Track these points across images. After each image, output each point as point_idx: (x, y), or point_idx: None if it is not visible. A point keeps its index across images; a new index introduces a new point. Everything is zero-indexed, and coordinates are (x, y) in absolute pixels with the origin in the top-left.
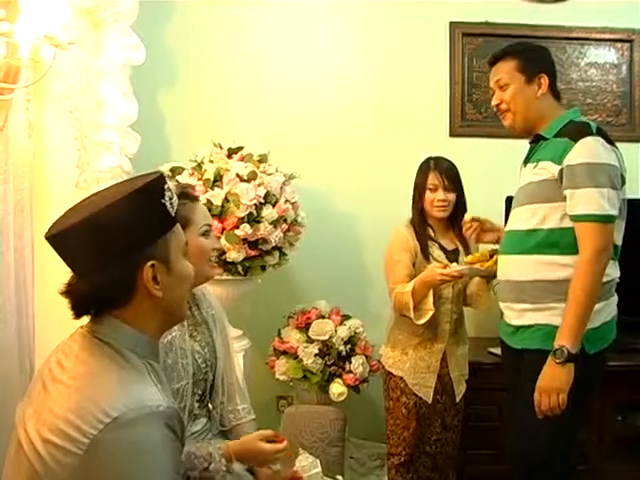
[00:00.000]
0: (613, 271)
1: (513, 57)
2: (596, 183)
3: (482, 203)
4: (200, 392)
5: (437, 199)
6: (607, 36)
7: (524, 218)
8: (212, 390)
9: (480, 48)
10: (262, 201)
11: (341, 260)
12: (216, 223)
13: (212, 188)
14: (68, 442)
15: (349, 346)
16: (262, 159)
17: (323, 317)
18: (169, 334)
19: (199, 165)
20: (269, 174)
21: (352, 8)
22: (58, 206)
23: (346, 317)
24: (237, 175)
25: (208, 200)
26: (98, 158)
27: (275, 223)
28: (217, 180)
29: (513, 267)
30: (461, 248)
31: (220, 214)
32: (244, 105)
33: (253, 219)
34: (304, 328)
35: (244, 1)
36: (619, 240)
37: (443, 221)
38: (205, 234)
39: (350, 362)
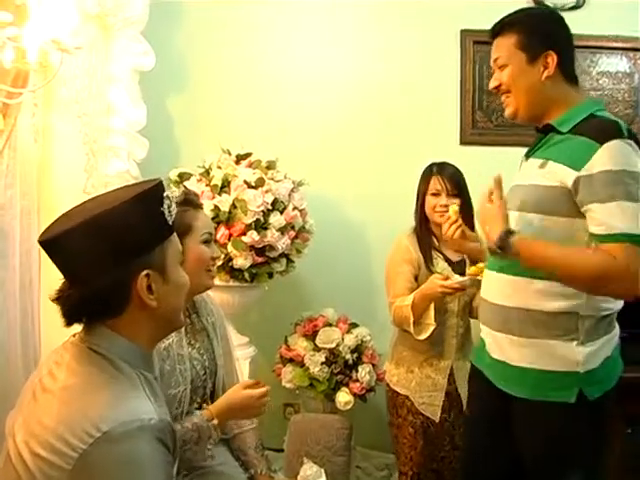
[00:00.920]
0: (618, 302)
1: (513, 31)
2: (628, 196)
3: None
4: (199, 399)
5: (439, 204)
6: (619, 45)
7: (520, 227)
8: (212, 397)
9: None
10: (270, 208)
11: (349, 268)
12: (223, 229)
13: (220, 194)
14: (56, 456)
15: (356, 355)
16: (270, 165)
17: (330, 325)
18: (166, 340)
19: (207, 171)
20: (277, 180)
21: (364, 16)
22: (65, 211)
23: (353, 325)
24: (245, 181)
25: (215, 206)
26: (106, 163)
27: (282, 230)
28: (225, 186)
29: (497, 287)
30: (468, 260)
31: (227, 220)
32: (253, 111)
33: (260, 226)
34: (311, 336)
35: (254, 8)
36: None
37: None
38: (206, 242)
39: (357, 371)
